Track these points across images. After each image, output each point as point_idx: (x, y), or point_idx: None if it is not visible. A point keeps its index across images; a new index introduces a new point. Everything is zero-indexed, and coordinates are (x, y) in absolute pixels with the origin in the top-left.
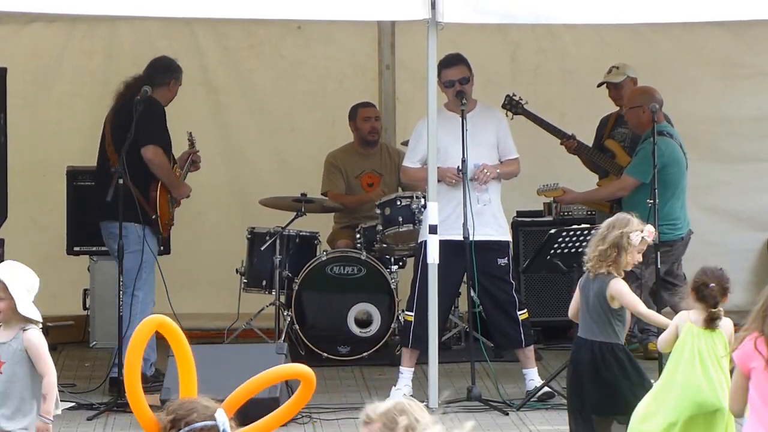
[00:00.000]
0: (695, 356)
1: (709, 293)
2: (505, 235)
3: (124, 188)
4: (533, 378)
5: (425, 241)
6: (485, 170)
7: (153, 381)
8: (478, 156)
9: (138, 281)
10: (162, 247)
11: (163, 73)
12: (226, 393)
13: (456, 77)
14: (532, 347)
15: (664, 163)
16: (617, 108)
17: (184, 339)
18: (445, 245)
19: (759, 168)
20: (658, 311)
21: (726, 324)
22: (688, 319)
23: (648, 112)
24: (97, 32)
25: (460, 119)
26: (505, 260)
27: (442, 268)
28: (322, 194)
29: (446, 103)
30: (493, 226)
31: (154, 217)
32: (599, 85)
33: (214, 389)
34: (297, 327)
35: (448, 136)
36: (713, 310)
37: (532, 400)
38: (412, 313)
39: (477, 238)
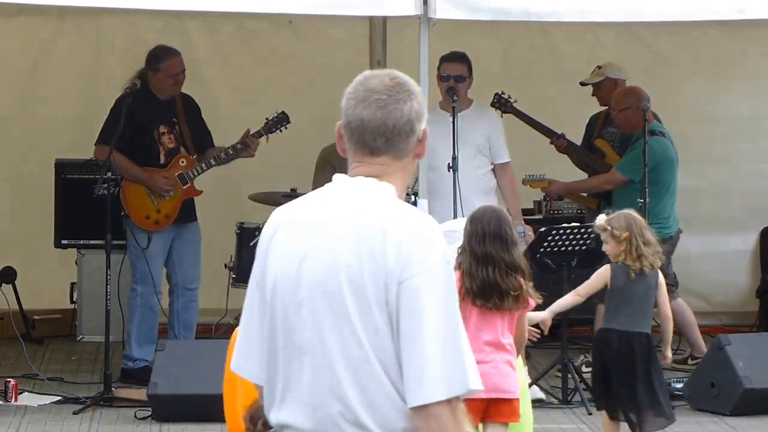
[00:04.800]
0: None
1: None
2: None
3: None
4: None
5: None
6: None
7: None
8: (463, 155)
9: (135, 276)
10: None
11: (145, 65)
12: (214, 388)
13: (453, 73)
14: None
15: (656, 163)
16: (605, 107)
17: None
18: None
19: (752, 169)
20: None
21: None
22: None
23: (638, 112)
24: (85, 25)
25: (449, 118)
26: None
27: None
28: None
29: (440, 102)
30: None
31: (122, 213)
32: (582, 84)
33: (201, 384)
34: None
35: (435, 135)
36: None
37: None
38: None
39: None
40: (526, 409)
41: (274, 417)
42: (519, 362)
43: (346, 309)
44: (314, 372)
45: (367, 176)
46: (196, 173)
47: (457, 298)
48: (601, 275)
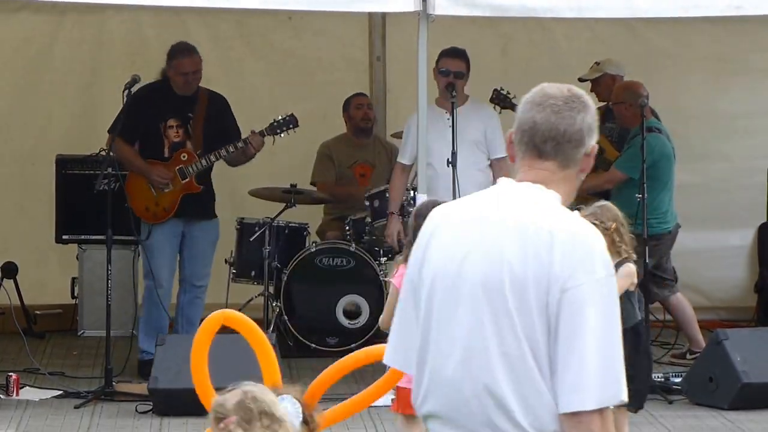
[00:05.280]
0: None
1: None
2: None
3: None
4: None
5: None
6: None
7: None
8: (461, 151)
9: (144, 270)
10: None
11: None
12: (214, 383)
13: (452, 68)
14: None
15: (654, 159)
16: (603, 103)
17: (256, 328)
18: None
19: (750, 164)
20: (648, 305)
21: None
22: None
23: (630, 108)
24: (86, 22)
25: (446, 116)
26: None
27: None
28: (311, 183)
29: (437, 99)
30: None
31: (126, 205)
32: (580, 80)
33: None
34: (286, 318)
35: (432, 133)
36: None
37: None
38: None
39: None
40: None
41: (421, 407)
42: None
43: (506, 307)
44: (469, 366)
45: (533, 182)
46: (195, 169)
47: (618, 311)
48: (632, 274)
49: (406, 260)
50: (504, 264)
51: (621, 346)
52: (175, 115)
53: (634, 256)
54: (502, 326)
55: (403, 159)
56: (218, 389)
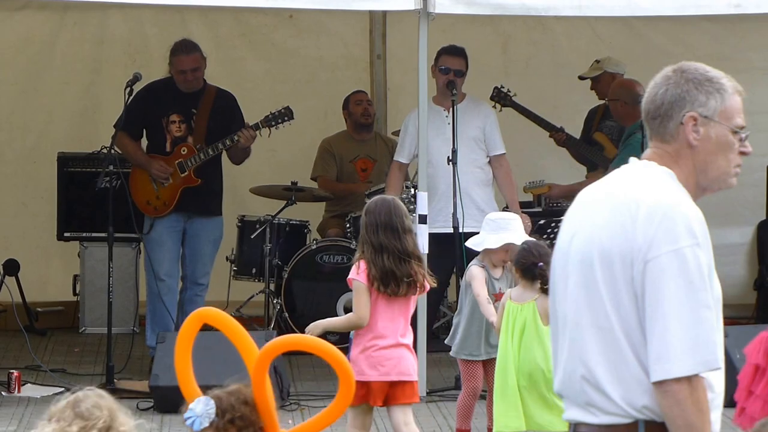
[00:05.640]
0: (520, 332)
1: (541, 272)
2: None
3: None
4: None
5: None
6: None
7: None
8: (460, 148)
9: (146, 265)
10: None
11: None
12: (215, 380)
13: (453, 66)
14: None
15: None
16: (604, 101)
17: (237, 326)
18: (434, 238)
19: (749, 162)
20: None
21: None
22: (509, 296)
23: (626, 107)
24: (88, 20)
25: (444, 113)
26: None
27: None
28: (312, 179)
29: (434, 97)
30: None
31: (129, 199)
32: (580, 78)
33: (203, 377)
34: (286, 315)
35: (430, 131)
36: (546, 286)
37: None
38: None
39: (467, 230)
40: None
41: (555, 388)
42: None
43: (596, 281)
44: (571, 341)
45: (649, 160)
46: (193, 162)
47: (705, 279)
48: None
49: (362, 257)
50: (594, 240)
51: (710, 314)
52: (178, 110)
53: None
54: (593, 300)
55: (400, 157)
56: (206, 387)
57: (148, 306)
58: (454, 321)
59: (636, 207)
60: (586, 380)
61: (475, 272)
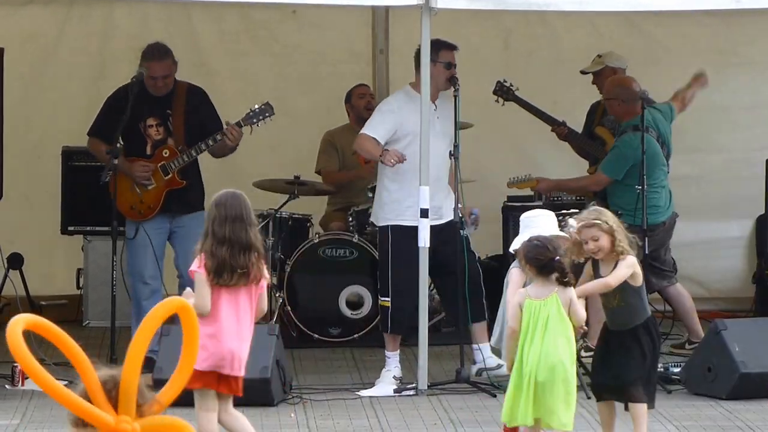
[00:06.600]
0: (543, 326)
1: (558, 265)
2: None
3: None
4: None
5: (388, 226)
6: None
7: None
8: (443, 143)
9: (128, 267)
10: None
11: None
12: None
13: (454, 62)
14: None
15: (637, 158)
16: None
17: (59, 332)
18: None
19: (749, 156)
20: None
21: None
22: (527, 295)
23: (623, 104)
24: (93, 14)
25: (432, 107)
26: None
27: (414, 253)
28: (315, 172)
29: (412, 83)
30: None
31: (113, 203)
32: (582, 73)
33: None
34: (289, 308)
35: (417, 122)
36: (566, 279)
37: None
38: (388, 299)
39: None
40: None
41: None
42: (572, 333)
43: None
44: None
45: None
46: (177, 164)
47: None
48: (634, 264)
49: (201, 250)
50: None
51: None
52: (153, 113)
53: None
54: None
55: (374, 133)
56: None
57: (133, 308)
58: (498, 314)
59: None
60: None
61: (512, 275)
